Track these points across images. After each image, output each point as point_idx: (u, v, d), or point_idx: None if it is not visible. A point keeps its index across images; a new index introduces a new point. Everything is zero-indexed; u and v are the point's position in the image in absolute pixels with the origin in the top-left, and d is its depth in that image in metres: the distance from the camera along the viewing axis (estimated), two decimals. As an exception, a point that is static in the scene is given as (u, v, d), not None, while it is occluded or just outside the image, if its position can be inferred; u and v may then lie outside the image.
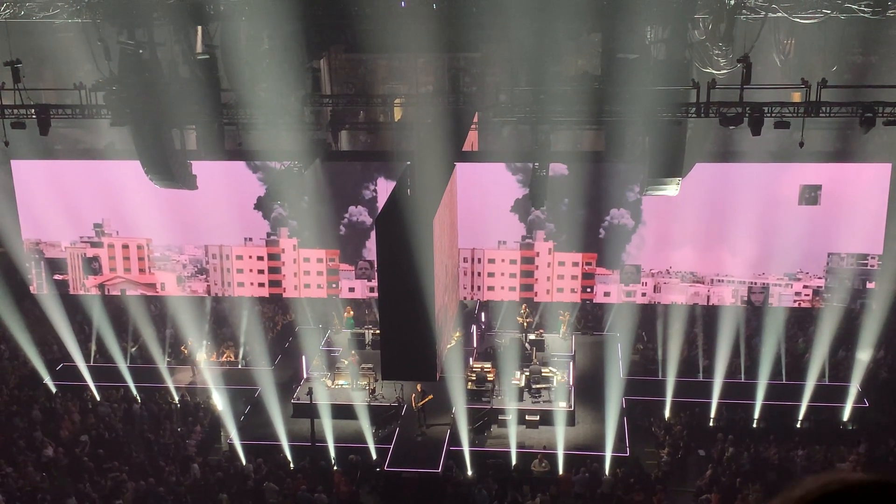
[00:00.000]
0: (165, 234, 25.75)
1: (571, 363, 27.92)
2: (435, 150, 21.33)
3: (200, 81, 21.29)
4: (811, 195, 23.76)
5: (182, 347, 28.76)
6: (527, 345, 28.74)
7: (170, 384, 27.76)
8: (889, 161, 23.62)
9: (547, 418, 25.67)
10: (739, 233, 24.13)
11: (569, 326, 30.13)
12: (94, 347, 29.19)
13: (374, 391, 26.61)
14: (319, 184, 24.63)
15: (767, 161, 23.53)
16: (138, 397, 27.29)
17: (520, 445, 24.74)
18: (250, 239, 25.72)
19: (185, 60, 21.77)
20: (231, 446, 25.21)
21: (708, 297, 25.63)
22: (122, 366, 28.27)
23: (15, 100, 20.72)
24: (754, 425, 25.76)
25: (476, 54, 24.03)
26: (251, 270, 25.99)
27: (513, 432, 24.99)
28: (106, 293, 27.35)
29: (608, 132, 23.10)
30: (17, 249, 27.14)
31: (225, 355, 29.39)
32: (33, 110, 20.90)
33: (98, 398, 27.34)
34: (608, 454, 24.16)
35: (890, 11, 19.61)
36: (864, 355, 27.04)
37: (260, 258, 25.94)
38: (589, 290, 25.81)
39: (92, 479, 23.35)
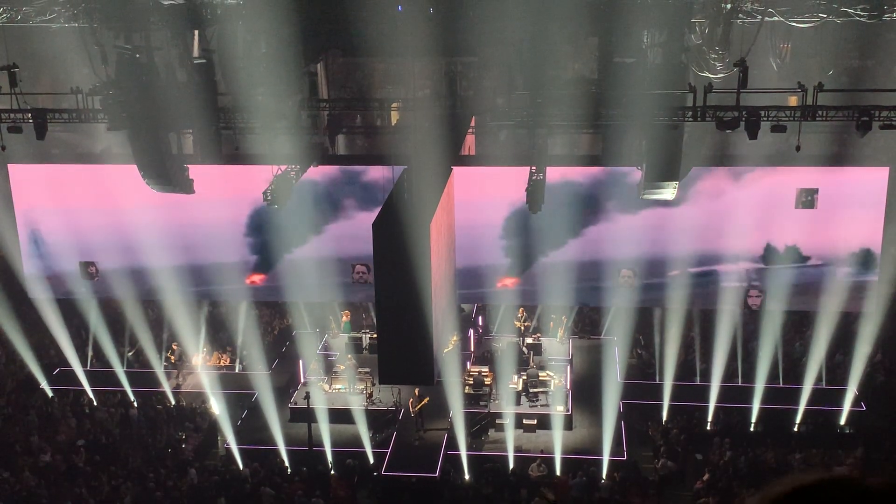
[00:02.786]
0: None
1: (569, 367, 27.93)
2: (432, 154, 21.31)
3: (197, 85, 21.27)
4: (808, 199, 23.76)
5: (168, 354, 28.77)
6: (524, 349, 28.74)
7: (167, 388, 27.74)
8: (886, 165, 23.62)
9: (544, 422, 25.68)
10: (736, 237, 24.11)
11: (566, 330, 30.14)
12: (90, 352, 29.16)
13: (371, 395, 26.60)
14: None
15: (764, 165, 23.53)
16: (135, 402, 27.27)
17: (517, 449, 24.74)
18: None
19: (182, 64, 21.75)
20: (228, 450, 25.18)
21: (705, 301, 25.64)
22: (119, 370, 28.24)
23: (12, 104, 20.72)
24: (752, 429, 25.76)
25: (473, 58, 24.00)
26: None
27: (510, 436, 24.98)
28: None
29: (605, 136, 23.13)
30: (14, 253, 27.09)
31: (222, 359, 29.38)
32: (30, 114, 20.88)
33: (95, 402, 27.31)
34: (605, 458, 24.16)
35: (886, 15, 19.66)
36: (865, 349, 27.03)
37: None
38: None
39: (89, 484, 23.31)
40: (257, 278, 25.97)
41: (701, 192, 23.84)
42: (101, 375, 28.33)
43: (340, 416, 25.79)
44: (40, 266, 26.51)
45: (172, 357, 28.89)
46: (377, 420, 26.01)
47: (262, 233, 25.37)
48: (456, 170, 23.18)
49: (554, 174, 23.32)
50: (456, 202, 24.04)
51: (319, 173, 24.31)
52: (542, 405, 26.28)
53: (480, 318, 30.58)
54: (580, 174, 24.21)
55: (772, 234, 24.13)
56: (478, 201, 24.28)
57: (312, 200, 24.51)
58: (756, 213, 23.82)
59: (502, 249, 24.86)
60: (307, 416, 24.92)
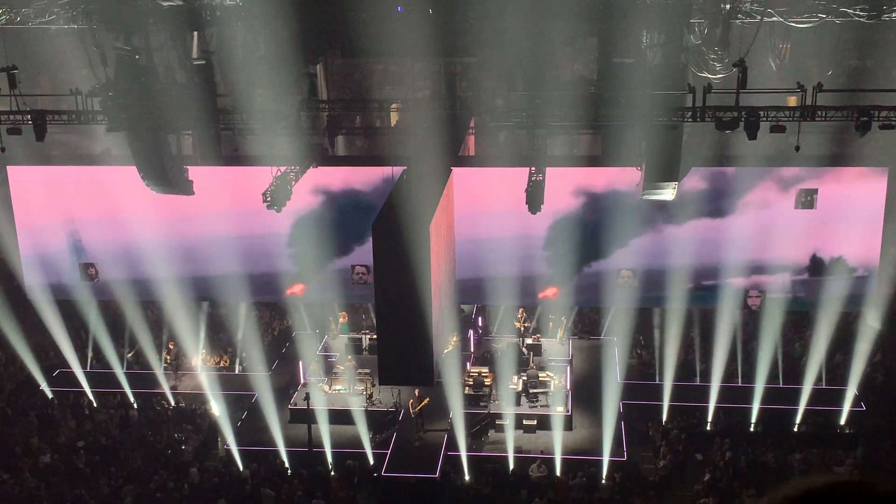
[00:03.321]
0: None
1: (568, 367, 27.92)
2: (431, 154, 21.33)
3: (197, 87, 21.27)
4: (808, 199, 23.77)
5: (165, 354, 28.74)
6: (524, 349, 28.72)
7: (166, 390, 27.74)
8: (885, 165, 23.64)
9: (544, 423, 25.66)
10: (736, 237, 24.11)
11: (566, 330, 30.13)
12: (90, 353, 29.14)
13: (371, 396, 26.59)
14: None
15: (763, 165, 23.55)
16: (135, 403, 27.26)
17: (517, 450, 24.73)
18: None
19: (181, 66, 21.75)
20: (228, 452, 25.17)
21: (704, 302, 25.64)
22: (119, 371, 28.22)
23: (11, 106, 20.70)
24: (752, 429, 25.76)
25: (472, 59, 23.99)
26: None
27: (510, 437, 24.97)
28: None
29: (605, 137, 23.15)
30: (14, 255, 27.09)
31: (222, 360, 29.36)
32: (29, 116, 20.87)
33: (95, 404, 27.29)
34: (605, 459, 24.15)
35: (885, 15, 19.66)
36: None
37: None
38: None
39: (89, 486, 23.30)
40: (297, 289, 25.94)
41: (700, 192, 23.86)
42: (101, 377, 28.31)
43: (340, 417, 25.78)
44: (40, 268, 26.48)
45: (169, 357, 28.86)
46: (377, 421, 26.00)
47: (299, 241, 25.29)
48: (455, 170, 23.18)
49: (598, 183, 23.39)
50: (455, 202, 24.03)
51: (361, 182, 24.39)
52: (541, 406, 26.26)
53: (480, 318, 30.57)
54: (624, 183, 24.02)
55: (772, 234, 24.12)
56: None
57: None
58: (755, 213, 23.87)
59: (545, 260, 24.82)
60: (307, 417, 24.91)
